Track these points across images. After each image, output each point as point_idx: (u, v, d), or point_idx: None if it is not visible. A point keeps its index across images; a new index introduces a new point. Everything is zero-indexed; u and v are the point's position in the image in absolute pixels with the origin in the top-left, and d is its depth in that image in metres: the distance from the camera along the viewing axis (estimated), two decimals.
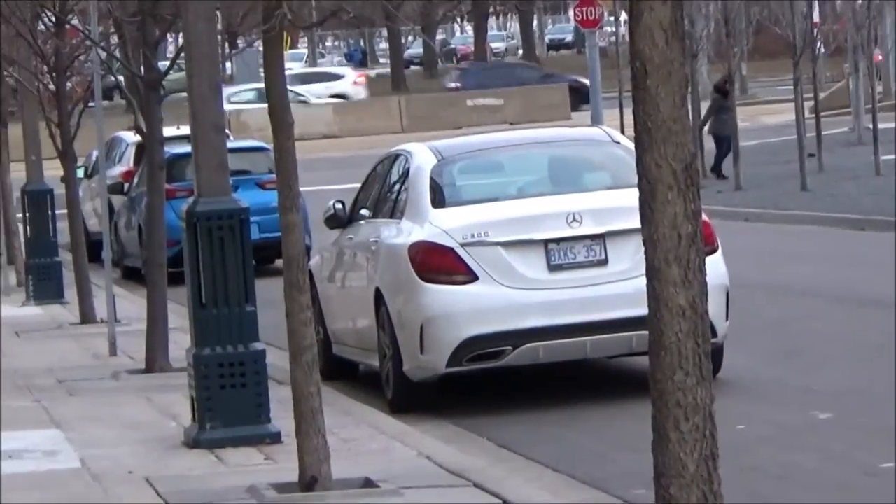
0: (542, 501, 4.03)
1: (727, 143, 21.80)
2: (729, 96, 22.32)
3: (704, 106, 22.78)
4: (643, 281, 1.53)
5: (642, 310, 1.64)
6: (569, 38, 77.16)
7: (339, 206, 7.67)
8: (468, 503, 3.85)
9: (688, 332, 1.46)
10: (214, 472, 4.76)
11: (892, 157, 20.01)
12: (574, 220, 6.13)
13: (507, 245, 6.20)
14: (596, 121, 22.95)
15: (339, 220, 7.67)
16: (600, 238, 6.10)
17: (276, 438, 5.08)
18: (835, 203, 17.57)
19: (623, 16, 31.26)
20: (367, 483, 4.02)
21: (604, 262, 6.09)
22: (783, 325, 8.96)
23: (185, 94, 5.45)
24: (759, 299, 9.72)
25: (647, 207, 1.48)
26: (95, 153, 14.43)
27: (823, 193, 18.79)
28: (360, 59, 77.86)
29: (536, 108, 39.26)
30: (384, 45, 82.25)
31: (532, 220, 6.34)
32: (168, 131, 10.03)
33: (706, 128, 22.07)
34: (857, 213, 16.24)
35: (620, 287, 5.84)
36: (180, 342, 7.32)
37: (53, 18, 10.54)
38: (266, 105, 4.03)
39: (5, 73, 12.70)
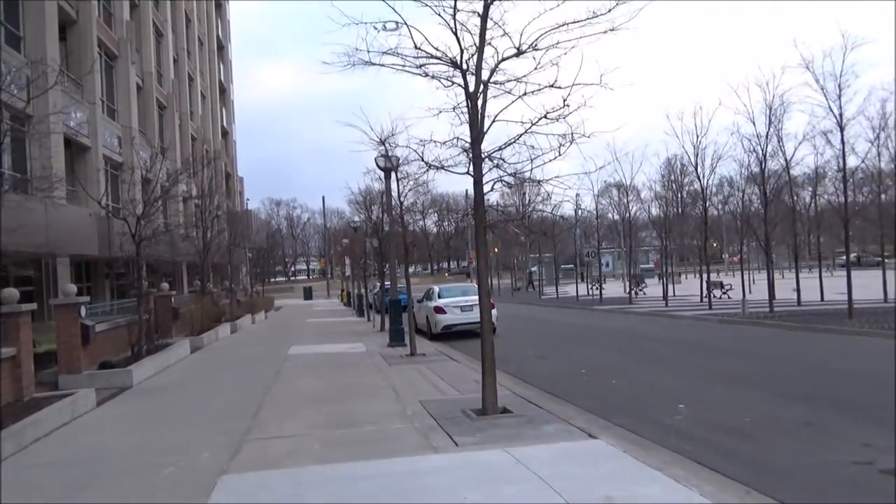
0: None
1: None
2: None
3: None
4: (478, 313, 8.25)
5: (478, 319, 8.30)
6: None
7: (419, 296, 23.54)
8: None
9: (488, 322, 7.91)
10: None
11: None
12: (466, 303, 21.11)
13: (453, 306, 21.41)
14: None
15: (420, 300, 23.49)
16: (469, 306, 21.05)
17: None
18: None
19: None
20: None
21: (470, 310, 21.00)
22: (530, 328, 21.81)
23: None
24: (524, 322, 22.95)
25: (482, 299, 8.34)
26: None
27: None
28: None
29: None
30: None
31: (459, 302, 21.38)
32: None
33: None
34: None
35: (475, 315, 20.79)
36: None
37: None
38: None
39: None
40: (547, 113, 7.67)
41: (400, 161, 15.59)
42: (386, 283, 20.52)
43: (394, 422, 7.66)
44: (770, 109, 20.40)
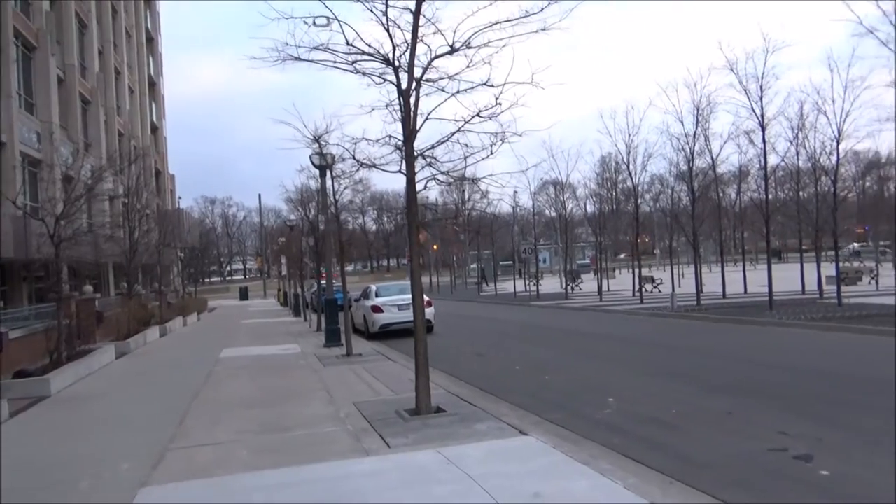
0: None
1: None
2: None
3: None
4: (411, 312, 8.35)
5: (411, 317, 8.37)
6: None
7: (357, 294, 23.33)
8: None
9: (422, 322, 7.79)
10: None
11: None
12: (404, 302, 20.99)
13: (390, 304, 21.30)
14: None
15: (357, 298, 23.26)
16: (407, 304, 21.00)
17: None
18: None
19: None
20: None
21: (408, 308, 21.09)
22: (464, 326, 21.91)
23: None
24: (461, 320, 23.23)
25: (415, 299, 8.31)
26: None
27: None
28: None
29: None
30: None
31: (396, 300, 21.29)
32: None
33: None
34: None
35: (409, 314, 20.83)
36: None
37: None
38: None
39: None
40: (480, 111, 7.68)
41: (335, 159, 15.40)
42: (323, 282, 20.24)
43: (326, 425, 7.54)
44: (697, 109, 21.18)
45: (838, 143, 18.23)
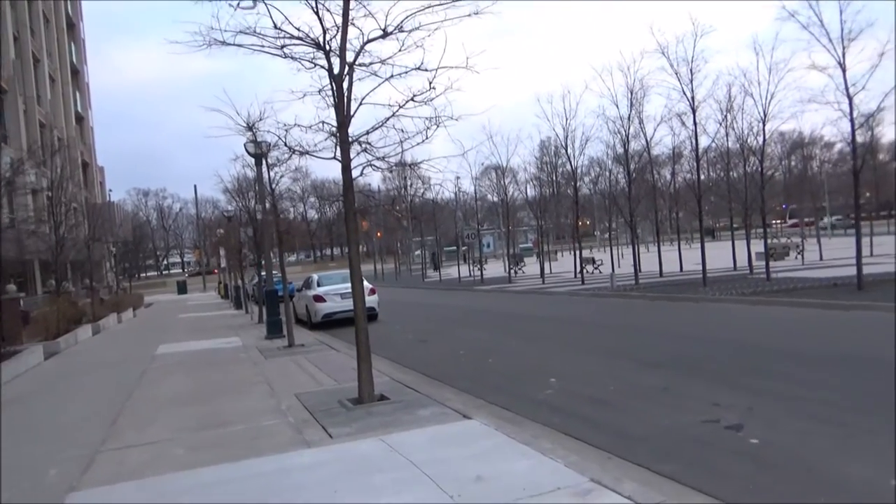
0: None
1: None
2: None
3: None
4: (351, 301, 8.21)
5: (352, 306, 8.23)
6: None
7: (299, 284, 22.96)
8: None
9: (362, 310, 7.93)
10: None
11: None
12: (347, 290, 20.81)
13: (333, 294, 21.08)
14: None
15: (299, 288, 22.92)
16: (350, 293, 21.01)
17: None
18: None
19: None
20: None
21: (350, 297, 20.99)
22: (411, 313, 21.95)
23: None
24: (406, 307, 23.41)
25: (355, 287, 8.22)
26: None
27: None
28: None
29: None
30: None
31: (339, 289, 21.10)
32: None
33: None
34: None
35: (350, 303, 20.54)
36: None
37: None
38: None
39: None
40: (414, 96, 7.59)
41: (270, 147, 15.04)
42: (264, 273, 19.82)
43: (267, 418, 7.38)
44: (631, 93, 21.56)
45: (764, 124, 18.88)
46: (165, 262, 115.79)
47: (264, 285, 18.02)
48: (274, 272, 17.09)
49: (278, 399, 8.41)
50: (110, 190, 56.37)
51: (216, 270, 55.32)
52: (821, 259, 26.58)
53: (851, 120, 15.17)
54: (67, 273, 30.14)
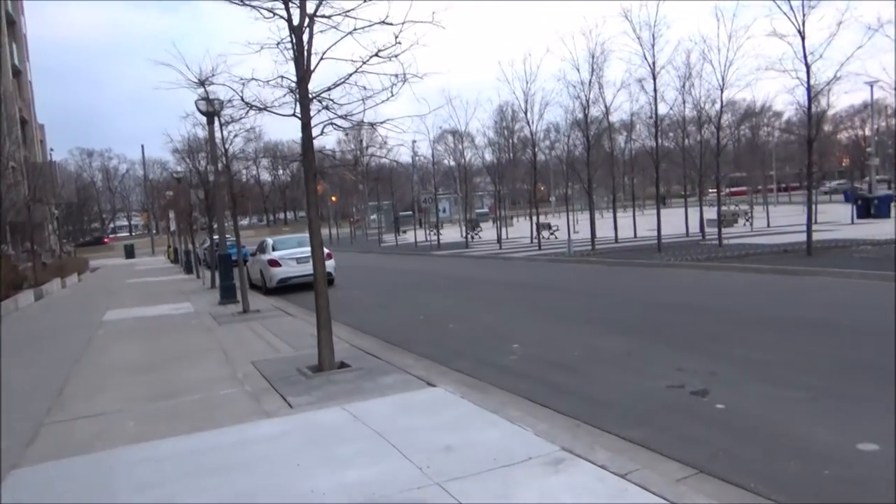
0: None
1: None
2: None
3: None
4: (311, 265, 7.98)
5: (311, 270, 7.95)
6: None
7: (253, 248, 22.40)
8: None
9: (322, 275, 7.48)
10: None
11: None
12: (303, 254, 20.41)
13: (288, 258, 20.65)
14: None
15: (254, 253, 22.37)
16: (307, 257, 20.46)
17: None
18: None
19: None
20: None
21: (307, 261, 20.52)
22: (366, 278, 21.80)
23: None
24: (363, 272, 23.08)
25: (315, 251, 7.86)
26: None
27: None
28: None
29: None
30: None
31: (295, 254, 20.67)
32: None
33: None
34: None
35: (309, 267, 19.71)
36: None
37: None
38: None
39: None
40: (379, 51, 7.23)
41: (223, 104, 14.40)
42: (216, 236, 19.22)
43: (223, 387, 7.11)
44: (593, 57, 21.42)
45: (722, 91, 19.03)
46: (112, 224, 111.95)
47: (217, 249, 17.48)
48: (227, 236, 16.56)
49: (234, 367, 8.13)
50: (51, 149, 53.68)
51: (168, 232, 53.70)
52: (768, 226, 27.28)
53: (808, 88, 15.36)
54: (6, 236, 28.75)
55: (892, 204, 26.91)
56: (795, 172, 61.26)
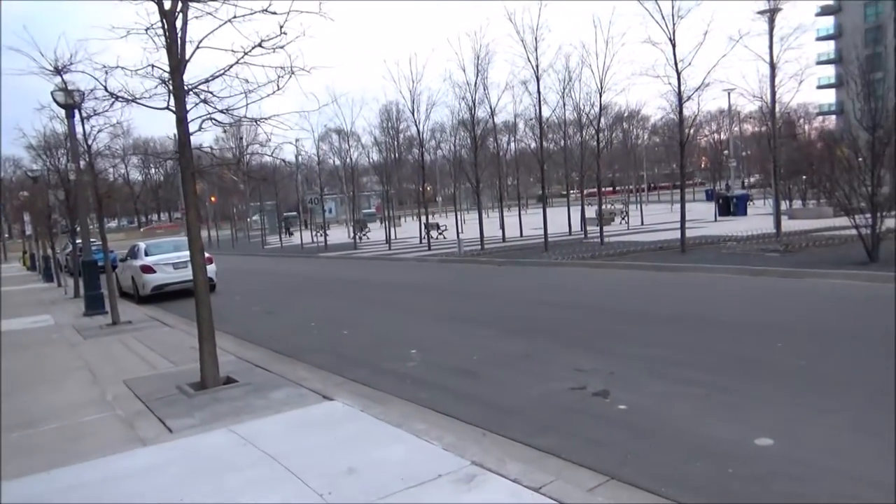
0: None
1: None
2: None
3: None
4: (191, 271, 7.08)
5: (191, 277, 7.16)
6: None
7: (123, 253, 20.72)
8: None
9: (203, 282, 6.86)
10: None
11: None
12: (180, 259, 19.10)
13: (164, 263, 19.25)
14: None
15: (124, 258, 20.69)
16: (184, 262, 19.15)
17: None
18: None
19: None
20: None
21: (185, 266, 19.30)
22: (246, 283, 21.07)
23: None
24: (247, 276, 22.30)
25: (194, 256, 6.98)
26: None
27: None
28: None
29: None
30: None
31: (171, 258, 19.26)
32: None
33: None
34: None
35: (191, 272, 19.06)
36: None
37: None
38: None
39: None
40: (262, 41, 6.72)
41: (84, 96, 13.08)
42: (80, 240, 17.58)
43: (89, 412, 6.32)
44: (478, 58, 21.59)
45: (601, 95, 19.80)
46: None
47: (81, 255, 15.93)
48: (93, 240, 15.13)
49: (103, 388, 7.30)
50: None
51: (23, 237, 48.82)
52: (642, 224, 28.83)
53: (679, 93, 16.26)
54: None
55: (749, 203, 29.30)
56: (666, 173, 65.58)
